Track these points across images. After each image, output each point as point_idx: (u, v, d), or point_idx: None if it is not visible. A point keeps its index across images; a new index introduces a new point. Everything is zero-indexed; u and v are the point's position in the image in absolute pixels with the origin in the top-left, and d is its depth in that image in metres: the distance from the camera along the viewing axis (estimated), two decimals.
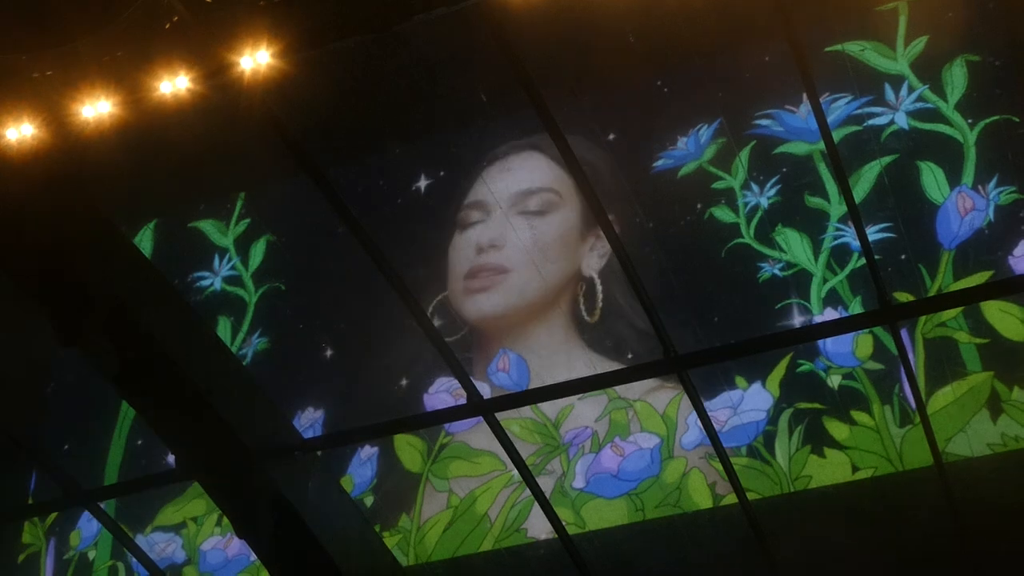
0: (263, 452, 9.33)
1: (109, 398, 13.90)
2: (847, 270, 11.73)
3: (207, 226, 15.17)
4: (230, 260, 14.87)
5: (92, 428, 14.41)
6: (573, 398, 12.12)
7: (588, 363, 12.25)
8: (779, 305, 11.80)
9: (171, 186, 14.38)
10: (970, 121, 11.81)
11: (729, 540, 10.59)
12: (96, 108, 8.91)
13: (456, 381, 10.71)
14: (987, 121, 11.75)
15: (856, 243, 11.41)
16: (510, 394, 11.33)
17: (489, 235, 13.39)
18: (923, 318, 11.21)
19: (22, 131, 8.87)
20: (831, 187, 12.02)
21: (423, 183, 13.96)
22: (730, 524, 10.57)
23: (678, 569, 10.81)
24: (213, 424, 9.05)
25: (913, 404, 10.67)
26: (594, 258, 13.06)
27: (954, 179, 11.65)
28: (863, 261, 11.18)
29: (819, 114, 8.34)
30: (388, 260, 9.40)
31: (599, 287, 12.88)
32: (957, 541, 9.64)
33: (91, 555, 13.92)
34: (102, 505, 11.63)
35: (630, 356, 12.22)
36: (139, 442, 14.10)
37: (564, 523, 10.45)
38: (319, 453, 10.34)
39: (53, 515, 14.22)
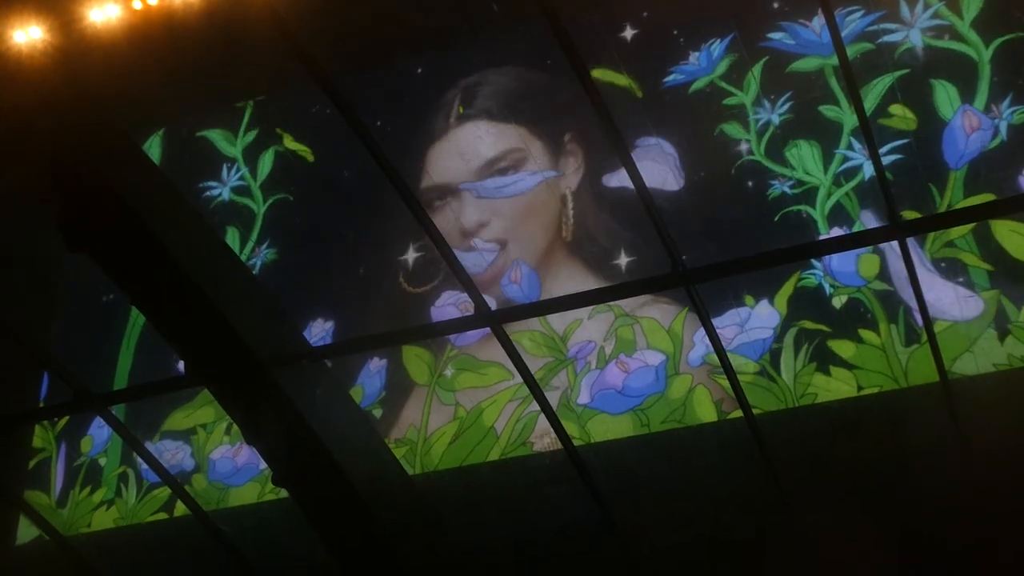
0: (271, 359, 9.35)
1: (119, 305, 13.98)
2: (854, 181, 11.68)
3: (215, 135, 15.13)
4: (238, 170, 14.84)
5: (102, 335, 14.50)
6: (583, 315, 12.18)
7: (573, 277, 12.36)
8: (782, 212, 11.76)
9: (179, 94, 14.31)
10: (985, 39, 11.68)
11: (733, 453, 10.66)
12: (104, 12, 8.86)
13: (462, 295, 10.71)
14: (1003, 39, 11.64)
15: (868, 163, 11.38)
16: (517, 305, 11.35)
17: (471, 217, 13.25)
18: (931, 237, 11.19)
19: (30, 34, 8.82)
20: (843, 101, 11.93)
21: (433, 94, 13.91)
22: (734, 437, 10.63)
23: (682, 480, 10.89)
24: (221, 330, 9.07)
25: (920, 322, 10.67)
26: (571, 174, 13.03)
27: (968, 98, 11.57)
28: (872, 173, 11.14)
29: (832, 25, 8.23)
30: (397, 170, 9.33)
31: (571, 203, 12.88)
32: (961, 459, 9.69)
33: (101, 462, 14.06)
34: (112, 411, 11.69)
35: (622, 269, 12.26)
36: (148, 349, 14.19)
37: (569, 437, 10.51)
38: (327, 362, 10.36)
39: (64, 420, 14.34)
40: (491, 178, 13.31)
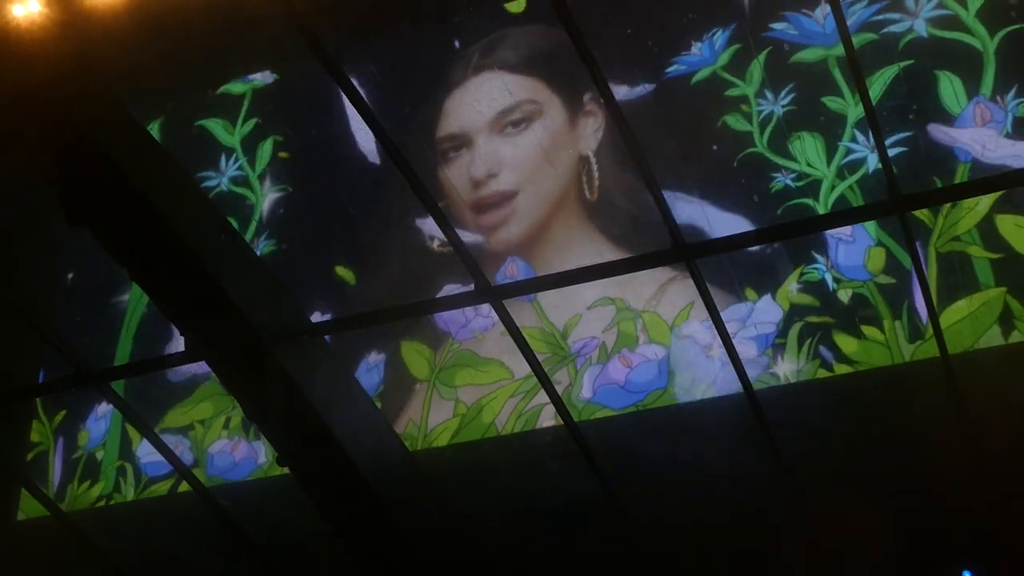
0: (272, 335, 9.30)
1: (117, 292, 13.96)
2: (858, 174, 11.64)
3: (214, 125, 15.09)
4: (236, 160, 14.79)
5: (102, 317, 14.46)
6: (582, 310, 12.11)
7: (598, 250, 12.27)
8: (785, 206, 11.73)
9: (178, 82, 14.34)
10: (991, 30, 11.66)
11: (733, 429, 10.61)
12: None
13: (462, 287, 10.67)
14: (1008, 30, 11.61)
15: (872, 156, 11.37)
16: (517, 281, 11.36)
17: (482, 166, 13.19)
18: (937, 230, 11.13)
19: (28, 8, 8.80)
20: (847, 92, 11.91)
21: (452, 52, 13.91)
22: (734, 413, 10.56)
23: (684, 457, 10.82)
24: (222, 306, 9.03)
25: (924, 318, 10.63)
26: (589, 135, 12.98)
27: (973, 89, 11.54)
28: (877, 166, 11.11)
29: (838, 14, 8.19)
30: (402, 152, 9.29)
31: (594, 162, 12.83)
32: (963, 434, 9.63)
33: (99, 455, 14.00)
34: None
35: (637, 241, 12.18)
36: (148, 337, 14.14)
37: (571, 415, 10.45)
38: (327, 338, 10.31)
39: (62, 413, 14.31)
40: (504, 129, 13.21)
